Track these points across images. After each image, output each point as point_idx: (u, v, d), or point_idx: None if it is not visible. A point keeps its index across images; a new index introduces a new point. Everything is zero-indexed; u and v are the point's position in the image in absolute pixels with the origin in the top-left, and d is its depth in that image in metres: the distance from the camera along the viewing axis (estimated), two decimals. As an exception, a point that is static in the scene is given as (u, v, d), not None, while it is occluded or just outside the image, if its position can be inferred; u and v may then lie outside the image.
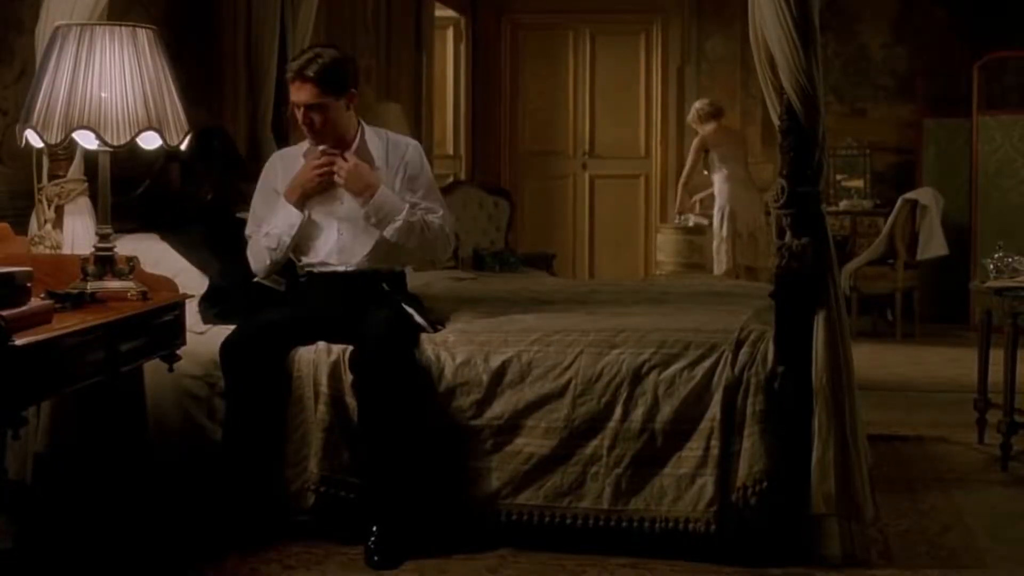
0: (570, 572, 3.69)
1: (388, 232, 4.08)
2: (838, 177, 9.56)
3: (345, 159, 4.08)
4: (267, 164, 4.38)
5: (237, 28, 5.59)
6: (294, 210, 4.10)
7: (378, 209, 4.07)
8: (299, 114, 4.09)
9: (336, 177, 4.06)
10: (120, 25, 3.62)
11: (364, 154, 4.16)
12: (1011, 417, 4.95)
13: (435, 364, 3.94)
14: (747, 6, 3.83)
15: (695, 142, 9.13)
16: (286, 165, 4.26)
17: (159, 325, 3.60)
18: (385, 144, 4.23)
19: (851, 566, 3.73)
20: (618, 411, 3.83)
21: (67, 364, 3.04)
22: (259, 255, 4.18)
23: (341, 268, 4.14)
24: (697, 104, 9.15)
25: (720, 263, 8.93)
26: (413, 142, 4.35)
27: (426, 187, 4.24)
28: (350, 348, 3.93)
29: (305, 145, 4.22)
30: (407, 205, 4.12)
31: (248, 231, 4.26)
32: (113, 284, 3.56)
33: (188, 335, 3.82)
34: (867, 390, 5.24)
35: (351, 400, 3.90)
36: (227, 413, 3.94)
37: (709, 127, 8.97)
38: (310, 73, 4.00)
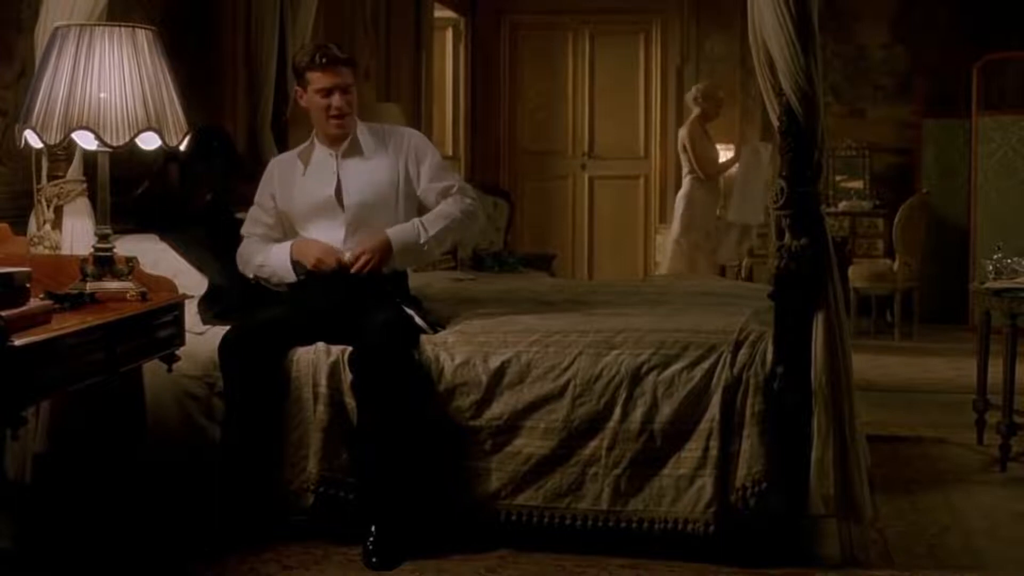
0: (569, 572, 3.69)
1: (425, 257, 4.31)
2: (837, 178, 9.57)
3: (346, 262, 4.11)
4: (266, 170, 4.43)
5: (237, 28, 5.60)
6: (291, 270, 4.18)
7: (401, 253, 4.14)
8: (331, 101, 4.16)
9: (359, 267, 4.09)
10: (119, 25, 3.62)
11: (354, 148, 4.22)
12: (1010, 418, 4.95)
13: (434, 365, 3.94)
14: (746, 6, 3.83)
15: (688, 132, 8.36)
16: (282, 171, 4.33)
17: (158, 326, 3.60)
18: (380, 134, 4.31)
19: (850, 567, 3.73)
20: (617, 412, 3.83)
21: (66, 364, 3.04)
22: (248, 263, 4.28)
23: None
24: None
25: (665, 266, 8.52)
26: (410, 130, 4.50)
27: (437, 167, 4.31)
28: (349, 348, 3.93)
29: (300, 148, 4.27)
30: (417, 228, 4.17)
31: (243, 231, 4.34)
32: (112, 285, 3.56)
33: (187, 335, 3.82)
34: (866, 391, 5.26)
35: (350, 400, 3.90)
36: (226, 413, 3.94)
37: (694, 113, 8.42)
38: (342, 55, 4.18)
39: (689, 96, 8.62)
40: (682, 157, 8.42)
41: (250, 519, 3.88)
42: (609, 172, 10.37)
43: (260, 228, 4.32)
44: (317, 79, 4.15)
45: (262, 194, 4.35)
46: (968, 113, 9.00)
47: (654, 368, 3.84)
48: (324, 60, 4.13)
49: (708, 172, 8.32)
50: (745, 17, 3.89)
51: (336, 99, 4.15)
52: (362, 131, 4.26)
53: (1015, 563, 3.84)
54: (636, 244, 10.36)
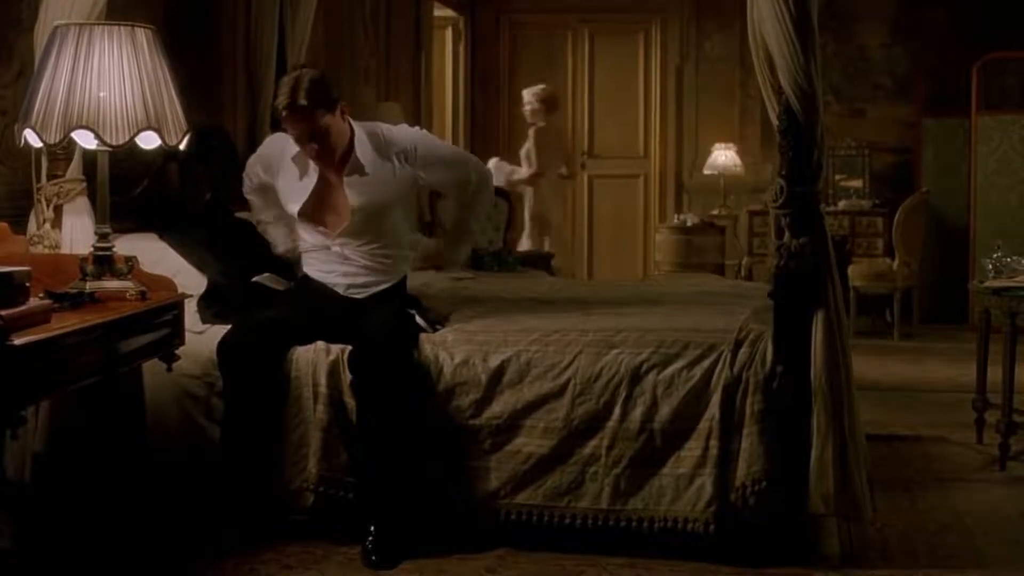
0: (569, 572, 3.69)
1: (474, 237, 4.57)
2: (837, 177, 9.56)
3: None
4: (267, 141, 4.44)
5: (237, 28, 5.59)
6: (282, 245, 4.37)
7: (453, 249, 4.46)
8: (303, 146, 4.05)
9: None
10: (119, 25, 3.61)
11: (354, 168, 4.09)
12: (1009, 417, 4.95)
13: (434, 364, 3.94)
14: (746, 6, 3.84)
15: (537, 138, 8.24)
16: (277, 160, 4.24)
17: (158, 325, 3.60)
18: (380, 143, 4.15)
19: (849, 566, 3.74)
20: (617, 411, 3.83)
21: (66, 364, 3.03)
22: (254, 214, 4.42)
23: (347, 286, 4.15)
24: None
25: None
26: (408, 131, 4.29)
27: (446, 158, 4.36)
28: (349, 348, 3.93)
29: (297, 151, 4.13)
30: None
31: (244, 189, 4.44)
32: (112, 284, 3.56)
33: (187, 335, 3.82)
34: (866, 390, 5.25)
35: (350, 400, 3.90)
36: (226, 413, 3.94)
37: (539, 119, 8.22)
38: (303, 101, 3.91)
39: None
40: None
41: (250, 519, 3.88)
42: (609, 172, 10.37)
43: (256, 180, 4.37)
44: (286, 126, 4.02)
45: (254, 161, 4.38)
46: (968, 113, 9.00)
47: (654, 367, 3.84)
48: (284, 112, 3.95)
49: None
50: (745, 17, 3.89)
51: (304, 147, 4.03)
52: (361, 145, 4.10)
53: (1015, 563, 3.84)
54: (636, 244, 10.36)
